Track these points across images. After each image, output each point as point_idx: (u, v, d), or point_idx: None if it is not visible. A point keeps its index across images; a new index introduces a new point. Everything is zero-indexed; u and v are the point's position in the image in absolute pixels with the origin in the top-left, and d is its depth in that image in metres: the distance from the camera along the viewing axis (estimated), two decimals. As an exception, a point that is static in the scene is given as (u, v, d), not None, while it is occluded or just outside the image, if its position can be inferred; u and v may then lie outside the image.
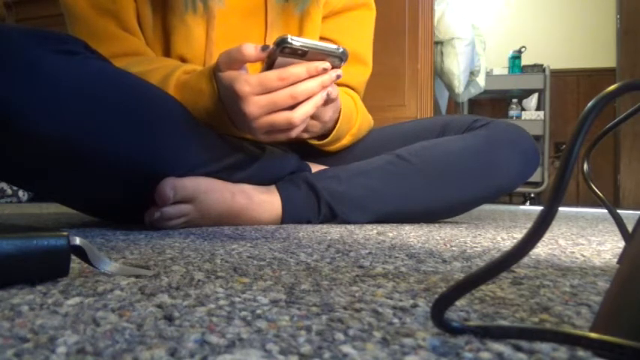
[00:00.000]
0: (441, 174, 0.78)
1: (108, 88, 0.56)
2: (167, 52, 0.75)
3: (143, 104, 0.59)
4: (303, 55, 0.54)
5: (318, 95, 0.56)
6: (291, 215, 0.72)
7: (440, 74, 2.09)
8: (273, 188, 0.73)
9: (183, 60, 0.74)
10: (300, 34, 0.80)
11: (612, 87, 0.18)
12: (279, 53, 0.53)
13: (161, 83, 0.64)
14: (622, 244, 0.56)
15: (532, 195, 2.87)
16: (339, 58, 0.56)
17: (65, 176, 0.60)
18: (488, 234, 0.65)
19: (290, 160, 0.77)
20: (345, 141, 0.82)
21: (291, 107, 0.56)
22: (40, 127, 0.51)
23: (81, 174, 0.59)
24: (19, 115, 0.50)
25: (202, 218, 0.66)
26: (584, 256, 0.46)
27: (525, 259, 0.42)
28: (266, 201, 0.71)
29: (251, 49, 0.55)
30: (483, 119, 0.84)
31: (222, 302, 0.25)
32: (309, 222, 0.74)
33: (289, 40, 0.52)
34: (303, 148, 0.82)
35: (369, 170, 0.77)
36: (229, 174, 0.68)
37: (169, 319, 0.22)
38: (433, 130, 0.87)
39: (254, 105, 0.55)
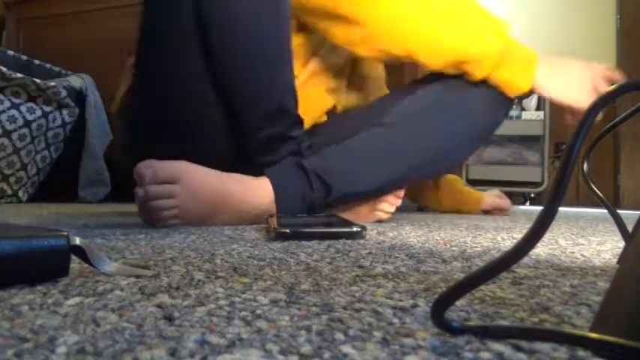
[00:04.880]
0: (420, 125, 0.79)
1: None
2: None
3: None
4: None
5: None
6: (284, 194, 0.72)
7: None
8: (262, 177, 0.73)
9: None
10: None
11: (612, 87, 0.18)
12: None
13: None
14: (622, 244, 0.56)
15: (532, 195, 2.87)
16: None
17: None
18: (489, 234, 0.65)
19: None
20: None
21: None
22: None
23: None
24: None
25: (193, 202, 0.65)
26: (584, 256, 0.46)
27: (525, 259, 0.42)
28: (257, 185, 0.71)
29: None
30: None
31: (222, 302, 0.25)
32: (304, 200, 0.73)
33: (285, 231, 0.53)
34: None
35: (352, 142, 0.77)
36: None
37: (169, 319, 0.22)
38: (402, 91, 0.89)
39: None
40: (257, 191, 0.71)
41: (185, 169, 0.66)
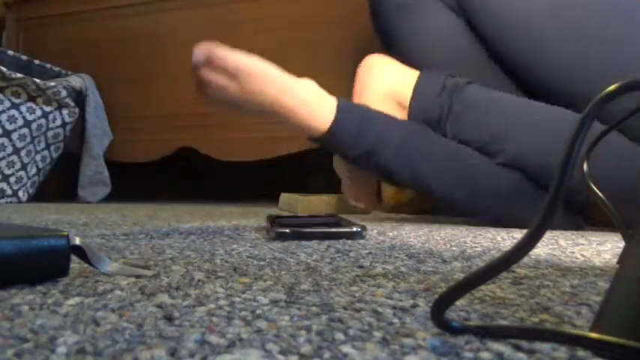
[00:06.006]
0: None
1: None
2: None
3: None
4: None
5: None
6: (338, 132, 0.69)
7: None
8: (331, 103, 0.70)
9: None
10: None
11: (612, 87, 0.18)
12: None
13: None
14: (622, 244, 0.56)
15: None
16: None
17: None
18: (489, 234, 0.65)
19: None
20: None
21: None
22: None
23: None
24: None
25: (245, 102, 0.62)
26: (584, 256, 0.45)
27: (525, 259, 0.42)
28: (317, 110, 0.68)
29: None
30: None
31: (222, 302, 0.25)
32: (351, 148, 0.71)
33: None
34: None
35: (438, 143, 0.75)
36: None
37: (169, 319, 0.22)
38: None
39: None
40: (316, 117, 0.68)
41: (247, 68, 0.61)
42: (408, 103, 0.79)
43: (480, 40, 0.82)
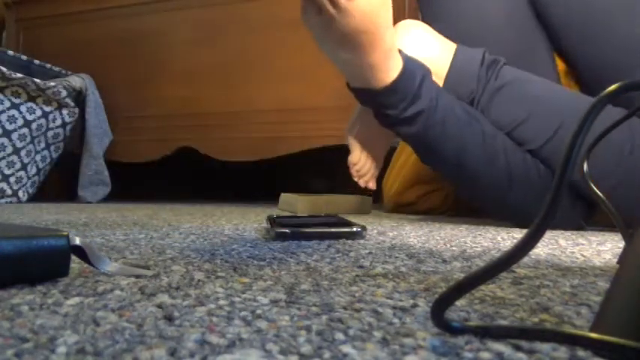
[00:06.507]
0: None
1: None
2: None
3: None
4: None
5: None
6: (397, 90, 0.67)
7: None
8: (398, 65, 0.68)
9: None
10: None
11: (612, 87, 0.18)
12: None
13: None
14: (622, 244, 0.56)
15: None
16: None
17: None
18: (489, 234, 0.65)
19: None
20: None
21: None
22: None
23: None
24: None
25: (356, 22, 0.60)
26: (584, 256, 0.45)
27: (525, 259, 0.42)
28: (392, 59, 0.66)
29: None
30: None
31: (222, 302, 0.25)
32: (403, 109, 0.69)
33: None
34: None
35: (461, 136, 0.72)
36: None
37: (169, 319, 0.22)
38: None
39: None
40: (388, 66, 0.66)
41: (374, 9, 0.59)
42: (442, 72, 0.76)
43: (543, 26, 0.82)
